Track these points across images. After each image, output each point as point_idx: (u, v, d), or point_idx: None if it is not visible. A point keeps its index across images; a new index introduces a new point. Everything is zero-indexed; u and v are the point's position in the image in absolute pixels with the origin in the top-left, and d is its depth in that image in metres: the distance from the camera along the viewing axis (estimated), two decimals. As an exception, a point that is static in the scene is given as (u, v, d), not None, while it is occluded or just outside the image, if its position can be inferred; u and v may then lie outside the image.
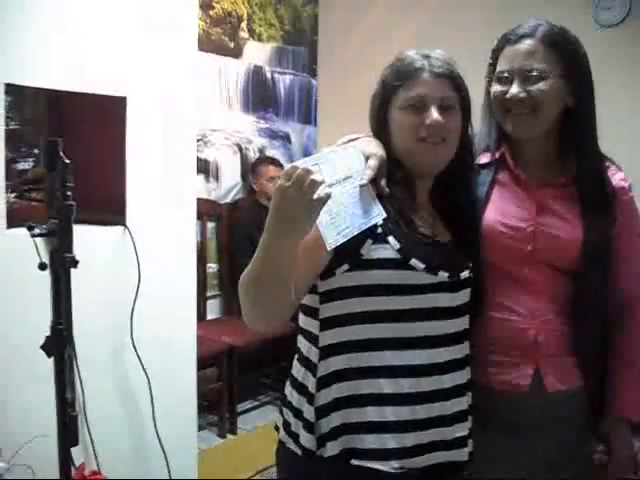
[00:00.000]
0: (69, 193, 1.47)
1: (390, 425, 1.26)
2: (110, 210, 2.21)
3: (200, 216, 3.42)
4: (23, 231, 1.57)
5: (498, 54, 1.45)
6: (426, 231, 1.33)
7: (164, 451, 2.32)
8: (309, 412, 1.29)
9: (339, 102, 4.59)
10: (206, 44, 3.93)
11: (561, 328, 1.45)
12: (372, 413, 1.26)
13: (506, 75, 1.42)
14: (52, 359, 1.50)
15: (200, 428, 2.74)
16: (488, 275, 1.42)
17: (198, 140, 3.46)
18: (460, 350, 1.34)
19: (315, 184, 1.05)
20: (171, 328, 2.40)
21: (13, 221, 1.94)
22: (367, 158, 1.26)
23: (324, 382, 1.28)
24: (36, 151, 2.41)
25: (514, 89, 1.40)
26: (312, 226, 1.10)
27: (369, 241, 1.24)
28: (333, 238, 1.13)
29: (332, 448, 1.26)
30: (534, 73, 1.39)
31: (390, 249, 1.25)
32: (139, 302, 2.21)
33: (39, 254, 1.57)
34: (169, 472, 2.33)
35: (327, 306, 1.29)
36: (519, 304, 1.44)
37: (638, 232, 1.50)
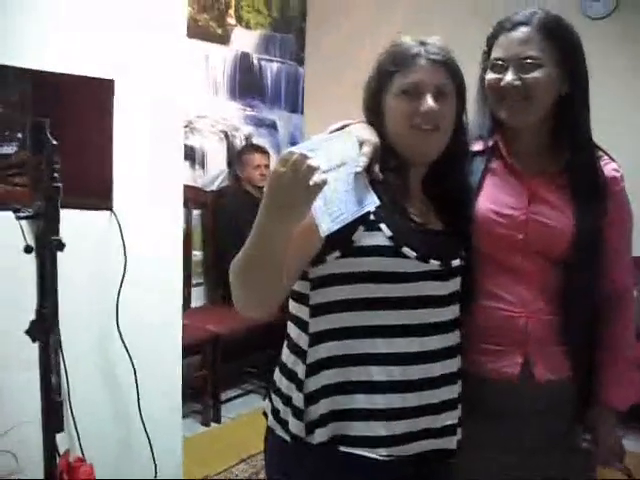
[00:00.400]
0: (56, 175, 1.45)
1: (380, 413, 1.26)
2: (96, 194, 2.18)
3: (186, 203, 3.39)
4: (8, 214, 1.54)
5: (493, 42, 1.44)
6: (418, 219, 1.32)
7: (149, 438, 2.31)
8: (298, 399, 1.28)
9: (326, 90, 4.58)
10: (193, 30, 3.89)
11: (551, 318, 1.45)
12: (362, 400, 1.26)
13: (501, 63, 1.42)
14: (37, 344, 1.48)
15: (184, 416, 2.73)
16: (479, 263, 1.42)
17: (184, 127, 3.44)
18: (451, 338, 1.34)
19: (311, 170, 1.04)
20: (157, 315, 2.38)
21: (-3, 206, 1.90)
22: (361, 144, 1.25)
23: (314, 369, 1.28)
24: (20, 135, 2.37)
25: (509, 77, 1.40)
26: (307, 212, 1.09)
27: (361, 228, 1.23)
28: (327, 225, 1.12)
29: (321, 435, 1.26)
30: (529, 61, 1.39)
31: (382, 236, 1.24)
32: (125, 288, 2.19)
33: (25, 237, 1.55)
34: (154, 459, 2.32)
35: (317, 292, 1.29)
36: (510, 293, 1.44)
37: (628, 223, 1.51)
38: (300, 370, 1.30)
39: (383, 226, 1.25)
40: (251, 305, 1.24)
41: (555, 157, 1.47)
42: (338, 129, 1.31)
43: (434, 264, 1.29)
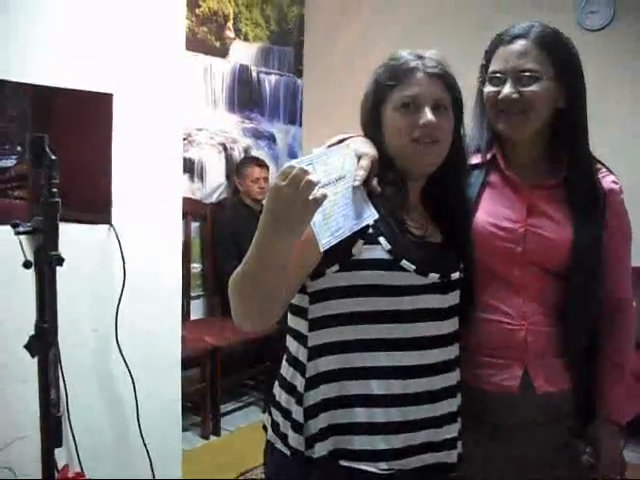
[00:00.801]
0: (55, 190, 1.45)
1: (379, 426, 1.26)
2: (96, 209, 2.18)
3: (184, 215, 3.40)
4: (6, 229, 1.54)
5: (491, 55, 1.45)
6: (417, 232, 1.32)
7: (148, 452, 2.30)
8: (298, 412, 1.28)
9: (324, 103, 4.59)
10: (192, 43, 3.90)
11: (550, 330, 1.45)
12: (361, 414, 1.26)
13: (498, 75, 1.42)
14: (36, 359, 1.48)
15: (183, 429, 2.72)
16: (478, 276, 1.42)
17: (183, 139, 3.44)
18: (450, 352, 1.34)
19: (311, 184, 1.04)
20: (155, 327, 2.38)
21: (-4, 219, 1.90)
22: (359, 158, 1.25)
23: (313, 382, 1.28)
24: (19, 148, 2.38)
25: (506, 89, 1.41)
26: (307, 227, 1.09)
27: (360, 241, 1.23)
28: (326, 239, 1.12)
29: (321, 449, 1.26)
30: (527, 74, 1.39)
31: (381, 250, 1.25)
32: (124, 301, 2.19)
33: (24, 252, 1.55)
34: (153, 473, 2.31)
35: (316, 306, 1.28)
36: (509, 305, 1.44)
37: (627, 235, 1.51)
38: (299, 384, 1.29)
39: (382, 239, 1.25)
40: (249, 318, 1.24)
41: (553, 169, 1.48)
42: (336, 143, 1.31)
43: (433, 277, 1.29)
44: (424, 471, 1.30)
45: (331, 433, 1.26)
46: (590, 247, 1.43)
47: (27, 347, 1.46)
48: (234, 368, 3.86)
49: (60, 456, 1.77)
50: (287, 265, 1.14)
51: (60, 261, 1.44)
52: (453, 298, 1.35)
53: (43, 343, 1.45)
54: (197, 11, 4.08)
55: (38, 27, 2.02)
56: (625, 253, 1.52)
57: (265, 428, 1.40)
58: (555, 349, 1.45)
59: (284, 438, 1.30)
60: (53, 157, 1.44)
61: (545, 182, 1.47)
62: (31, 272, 1.47)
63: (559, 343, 1.45)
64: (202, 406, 3.57)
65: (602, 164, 1.51)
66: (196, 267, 4.08)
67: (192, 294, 3.99)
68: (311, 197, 1.04)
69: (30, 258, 1.45)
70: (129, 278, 2.20)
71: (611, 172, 1.50)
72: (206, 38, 4.16)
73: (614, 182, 1.49)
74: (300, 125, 4.87)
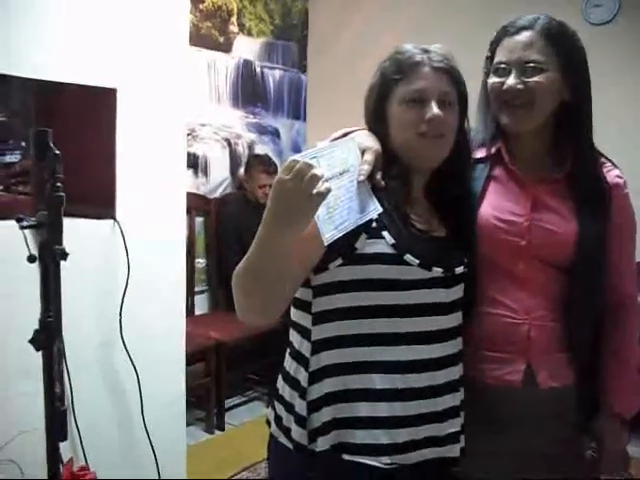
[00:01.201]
0: (59, 184, 1.45)
1: (382, 421, 1.26)
2: (100, 203, 2.19)
3: (189, 211, 3.40)
4: (11, 223, 1.54)
5: (496, 46, 1.45)
6: (421, 226, 1.32)
7: (153, 447, 2.31)
8: (301, 406, 1.28)
9: (328, 98, 4.58)
10: (196, 38, 3.91)
11: (554, 324, 1.45)
12: (364, 408, 1.26)
13: (503, 66, 1.42)
14: (40, 353, 1.48)
15: (188, 424, 2.72)
16: (482, 270, 1.42)
17: (187, 134, 3.44)
18: (453, 346, 1.34)
19: (315, 178, 1.04)
20: (160, 322, 2.38)
21: (0, 214, 1.91)
22: (363, 152, 1.25)
23: (316, 376, 1.28)
24: (24, 144, 2.38)
25: (511, 80, 1.40)
26: (310, 220, 1.09)
27: (364, 235, 1.23)
28: (330, 233, 1.12)
29: (323, 443, 1.26)
30: (531, 65, 1.39)
31: (384, 244, 1.24)
32: (128, 296, 2.19)
33: (28, 246, 1.55)
34: (158, 468, 2.32)
35: (320, 300, 1.29)
36: (512, 300, 1.44)
37: (632, 229, 1.50)
38: (302, 378, 1.29)
39: (385, 233, 1.25)
40: (253, 312, 1.24)
41: (558, 163, 1.47)
42: (340, 137, 1.31)
43: (437, 271, 1.29)
44: (427, 465, 1.31)
45: (334, 427, 1.26)
46: (595, 241, 1.42)
47: (32, 341, 1.47)
48: (238, 363, 3.87)
49: (65, 450, 1.78)
50: (289, 258, 1.14)
51: (64, 255, 1.44)
52: (457, 292, 1.35)
53: (47, 337, 1.45)
54: (201, 6, 4.07)
55: (42, 22, 2.02)
56: (630, 247, 1.51)
57: (268, 422, 1.40)
58: (559, 344, 1.45)
59: (287, 432, 1.31)
60: (57, 151, 1.44)
61: (550, 176, 1.47)
62: (35, 266, 1.47)
63: (563, 338, 1.45)
64: (206, 401, 3.58)
65: (606, 158, 1.50)
66: (200, 262, 4.08)
67: (196, 289, 4.00)
68: (315, 191, 1.04)
69: (34, 252, 1.45)
70: (133, 273, 2.20)
71: (615, 166, 1.50)
72: (210, 33, 4.16)
73: (618, 176, 1.48)
74: (304, 120, 4.87)
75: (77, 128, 2.13)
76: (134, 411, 2.29)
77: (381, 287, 1.25)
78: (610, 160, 1.50)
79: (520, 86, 1.39)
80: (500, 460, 1.43)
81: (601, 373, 1.49)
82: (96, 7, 2.14)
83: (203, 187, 4.15)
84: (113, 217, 2.20)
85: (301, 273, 1.25)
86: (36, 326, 1.48)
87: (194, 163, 4.06)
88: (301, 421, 1.28)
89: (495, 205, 1.45)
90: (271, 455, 1.39)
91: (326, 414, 1.26)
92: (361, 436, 1.26)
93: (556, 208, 1.44)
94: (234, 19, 4.32)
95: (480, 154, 1.49)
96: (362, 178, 1.21)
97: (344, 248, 1.22)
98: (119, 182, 2.22)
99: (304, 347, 1.31)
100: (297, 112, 4.82)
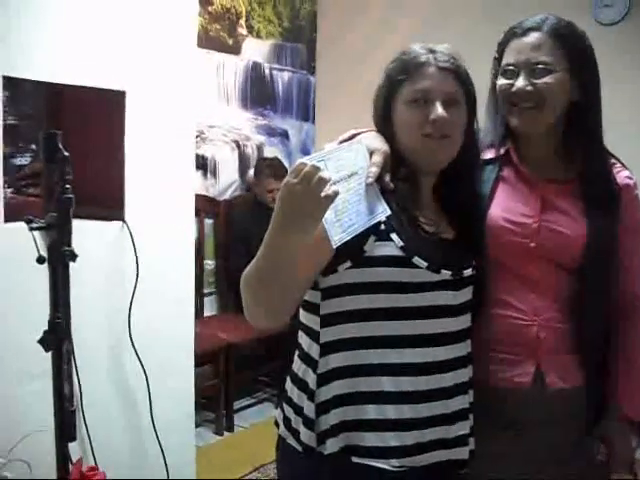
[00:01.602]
0: (68, 186, 1.46)
1: (391, 423, 1.26)
2: (108, 205, 2.19)
3: (198, 213, 3.40)
4: (21, 225, 1.55)
5: (504, 47, 1.44)
6: (430, 228, 1.31)
7: (162, 447, 2.31)
8: (309, 409, 1.28)
9: (337, 99, 4.58)
10: (204, 40, 3.91)
11: (563, 326, 1.44)
12: (372, 411, 1.25)
13: (512, 68, 1.41)
14: (50, 354, 1.49)
15: (197, 425, 2.73)
16: (491, 271, 1.41)
17: (196, 136, 3.45)
18: (462, 348, 1.34)
19: (323, 181, 1.04)
20: (169, 324, 2.39)
21: (10, 216, 1.92)
22: (371, 154, 1.25)
23: (324, 379, 1.28)
24: (34, 146, 2.39)
25: (520, 82, 1.39)
26: (318, 224, 1.09)
27: (372, 238, 1.23)
28: (338, 236, 1.12)
29: (332, 445, 1.25)
30: (540, 66, 1.38)
31: (393, 246, 1.24)
32: (137, 298, 2.20)
33: (37, 248, 1.56)
34: (167, 468, 2.32)
35: (328, 303, 1.28)
36: (522, 301, 1.43)
37: None
38: (311, 380, 1.29)
39: (394, 236, 1.24)
40: (261, 315, 1.24)
41: (567, 164, 1.46)
42: (348, 139, 1.31)
43: (445, 274, 1.28)
44: (435, 468, 1.30)
45: (342, 429, 1.26)
46: (604, 243, 1.41)
47: (41, 342, 1.48)
48: (248, 364, 3.87)
49: (74, 450, 1.79)
50: (297, 262, 1.14)
51: (73, 257, 1.45)
52: (465, 295, 1.34)
53: (57, 337, 1.46)
54: (209, 8, 4.08)
55: (51, 25, 2.03)
56: (639, 249, 1.50)
57: (277, 423, 1.40)
58: (568, 345, 1.44)
59: (296, 434, 1.31)
60: (66, 153, 1.45)
61: (559, 177, 1.46)
62: (45, 268, 1.47)
63: (572, 339, 1.44)
64: (216, 402, 3.59)
65: (616, 159, 1.49)
66: (210, 264, 4.09)
67: (205, 290, 4.00)
68: (323, 194, 1.04)
69: (44, 254, 1.46)
70: (142, 274, 2.21)
71: (625, 167, 1.49)
72: (219, 35, 4.16)
73: (628, 177, 1.47)
74: (313, 122, 4.86)
75: (86, 130, 2.14)
76: (143, 412, 2.29)
77: (390, 290, 1.25)
78: (620, 161, 1.50)
79: (529, 88, 1.39)
80: (509, 462, 1.43)
81: (610, 375, 1.48)
82: (105, 10, 2.15)
83: (212, 189, 4.15)
84: (122, 219, 2.21)
85: (310, 276, 1.25)
86: (46, 327, 1.49)
87: (203, 165, 4.07)
88: (309, 423, 1.27)
89: (504, 206, 1.44)
90: (280, 457, 1.39)
91: (334, 416, 1.26)
92: (370, 439, 1.25)
93: (566, 209, 1.43)
94: (243, 21, 4.33)
95: (489, 155, 1.49)
96: (370, 180, 1.21)
97: (353, 251, 1.22)
98: (128, 184, 2.23)
99: (313, 349, 1.31)
100: (306, 114, 4.82)
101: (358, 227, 1.17)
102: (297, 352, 1.38)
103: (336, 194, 1.06)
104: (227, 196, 4.23)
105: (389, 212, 1.23)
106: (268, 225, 1.11)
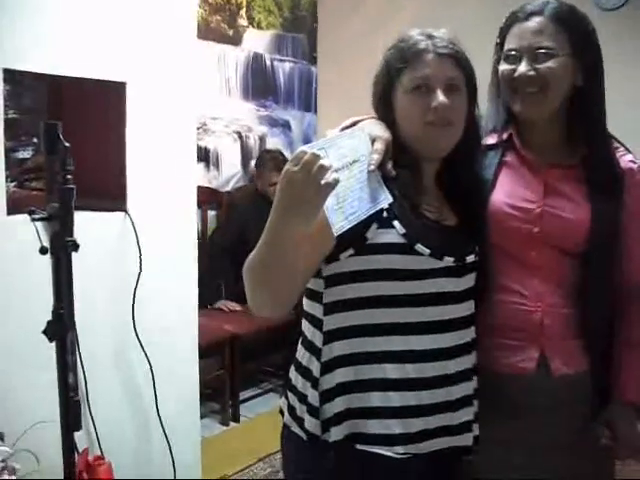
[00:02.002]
0: (69, 176, 1.45)
1: (395, 410, 1.26)
2: (111, 196, 2.19)
3: (200, 204, 3.40)
4: (24, 217, 1.55)
5: (506, 32, 1.43)
6: (432, 215, 1.31)
7: (167, 438, 2.32)
8: (313, 397, 1.28)
9: (339, 89, 4.57)
10: (205, 32, 3.90)
11: (567, 311, 1.44)
12: (377, 398, 1.26)
13: (514, 53, 1.40)
14: (54, 344, 1.49)
15: (202, 416, 2.74)
16: (494, 258, 1.41)
17: (198, 128, 3.44)
18: (466, 335, 1.34)
19: (324, 169, 1.04)
20: (173, 315, 2.39)
21: (14, 209, 1.92)
22: (373, 141, 1.24)
23: (328, 366, 1.28)
24: (35, 140, 2.40)
25: (522, 67, 1.39)
26: (320, 211, 1.08)
27: (374, 225, 1.23)
28: (340, 223, 1.12)
29: (336, 433, 1.26)
30: (543, 51, 1.37)
31: (395, 234, 1.24)
32: (140, 289, 2.20)
33: (40, 239, 1.56)
34: (172, 458, 2.33)
35: (331, 290, 1.28)
36: (525, 287, 1.43)
37: None
38: (315, 368, 1.29)
39: (396, 223, 1.24)
40: (264, 304, 1.24)
41: (571, 149, 1.46)
42: (349, 126, 1.31)
43: (448, 261, 1.28)
44: (440, 454, 1.30)
45: (347, 417, 1.26)
46: (608, 228, 1.41)
47: (45, 332, 1.47)
48: (253, 355, 3.87)
49: (80, 440, 1.80)
50: (299, 250, 1.14)
51: (76, 247, 1.44)
52: (468, 281, 1.34)
53: (60, 327, 1.46)
54: (210, 0, 4.07)
55: (51, 17, 2.02)
56: None
57: (282, 411, 1.40)
58: (572, 331, 1.44)
59: (300, 422, 1.31)
60: (67, 144, 1.45)
61: (562, 162, 1.45)
62: (48, 259, 1.48)
63: (576, 325, 1.44)
64: (221, 393, 3.59)
65: (620, 143, 1.49)
66: (213, 255, 4.09)
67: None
68: (323, 182, 1.04)
69: (46, 245, 1.46)
70: (145, 265, 2.21)
71: (629, 151, 1.48)
72: (219, 26, 4.15)
73: (632, 161, 1.46)
74: (315, 112, 4.85)
75: (87, 122, 2.14)
76: (148, 403, 2.30)
77: (392, 277, 1.25)
78: (623, 144, 1.49)
79: (532, 73, 1.38)
80: (514, 448, 1.43)
81: (614, 360, 1.48)
82: (105, 1, 2.14)
83: (215, 181, 4.15)
84: (124, 210, 2.21)
85: (313, 264, 1.25)
86: (49, 317, 1.49)
87: (205, 157, 4.06)
88: (314, 411, 1.28)
89: (507, 192, 1.44)
90: (284, 445, 1.39)
91: (339, 404, 1.26)
92: (374, 426, 1.25)
93: (569, 194, 1.43)
94: (243, 12, 4.31)
95: (491, 140, 1.48)
96: (372, 168, 1.21)
97: (355, 238, 1.22)
98: (130, 175, 2.22)
99: (316, 337, 1.31)
100: (308, 104, 4.81)
101: (360, 215, 1.16)
102: (300, 340, 1.38)
103: (337, 182, 1.06)
104: (230, 187, 4.23)
105: (391, 199, 1.23)
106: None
